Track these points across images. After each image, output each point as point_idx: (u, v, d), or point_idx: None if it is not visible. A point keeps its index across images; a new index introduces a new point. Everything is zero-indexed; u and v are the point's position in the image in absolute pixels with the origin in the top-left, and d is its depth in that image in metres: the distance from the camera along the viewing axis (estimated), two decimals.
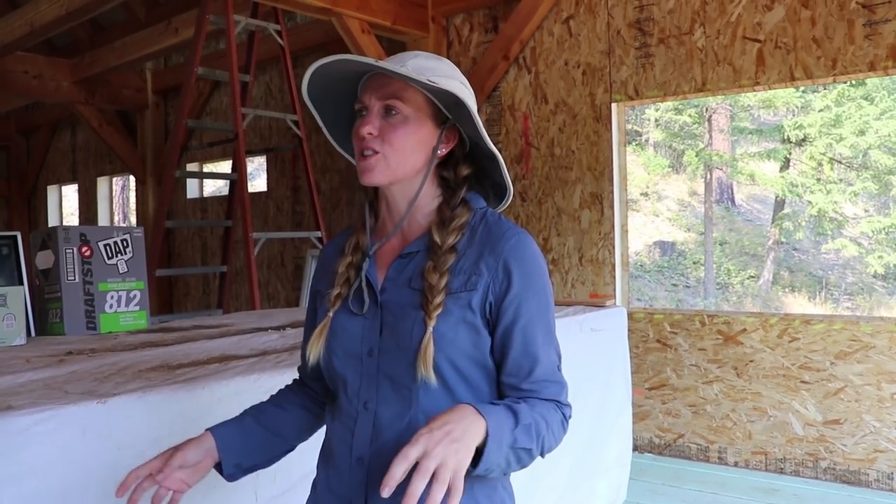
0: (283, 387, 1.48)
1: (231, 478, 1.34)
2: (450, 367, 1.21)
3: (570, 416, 1.25)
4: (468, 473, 1.08)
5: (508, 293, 1.23)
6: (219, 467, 1.33)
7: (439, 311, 1.20)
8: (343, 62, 1.24)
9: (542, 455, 1.21)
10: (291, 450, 1.42)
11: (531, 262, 1.26)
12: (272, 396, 1.45)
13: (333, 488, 1.28)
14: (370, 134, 1.25)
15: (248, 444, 1.35)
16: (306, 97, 1.35)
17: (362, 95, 1.28)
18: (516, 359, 1.23)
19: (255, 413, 1.39)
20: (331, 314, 1.30)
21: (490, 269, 1.23)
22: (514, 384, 1.23)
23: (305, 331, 1.43)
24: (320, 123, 1.39)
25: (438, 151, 1.30)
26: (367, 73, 1.29)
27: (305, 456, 1.69)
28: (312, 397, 1.42)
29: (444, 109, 1.30)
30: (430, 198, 1.32)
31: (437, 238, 1.27)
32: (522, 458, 1.17)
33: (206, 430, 1.33)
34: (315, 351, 1.30)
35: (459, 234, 1.28)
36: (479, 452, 1.09)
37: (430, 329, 1.19)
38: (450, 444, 1.04)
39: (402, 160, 1.26)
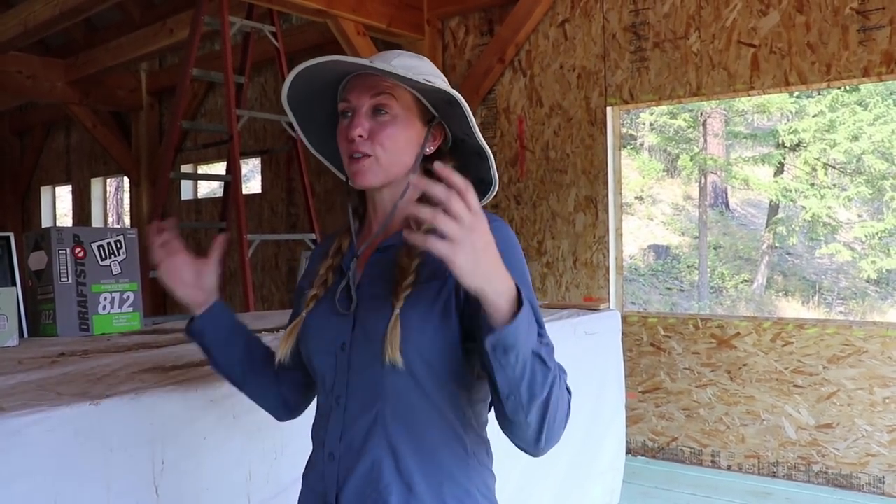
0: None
1: (187, 330, 1.43)
2: (418, 358, 1.17)
3: (570, 404, 1.14)
4: (494, 344, 0.98)
5: None
6: (190, 319, 1.41)
7: (408, 292, 1.18)
8: (333, 63, 1.22)
9: (544, 438, 1.08)
10: (239, 386, 1.44)
11: (508, 243, 1.18)
12: (269, 351, 1.45)
13: (312, 485, 1.29)
14: (360, 136, 1.23)
15: (222, 339, 1.41)
16: (285, 101, 1.33)
17: (347, 94, 1.27)
18: None
19: (250, 341, 1.44)
20: (304, 314, 1.30)
21: None
22: None
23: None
24: (297, 128, 1.39)
25: (426, 150, 1.30)
26: (350, 74, 1.27)
27: (297, 460, 1.68)
28: (279, 381, 1.43)
29: (432, 108, 1.30)
30: (412, 193, 1.30)
31: (413, 226, 1.24)
32: (536, 377, 1.03)
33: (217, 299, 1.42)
34: (283, 350, 1.30)
35: None
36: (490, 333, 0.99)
37: (397, 311, 1.16)
38: (483, 243, 0.95)
39: (394, 160, 1.25)
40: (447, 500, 1.20)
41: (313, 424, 1.33)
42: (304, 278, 1.40)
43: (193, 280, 1.41)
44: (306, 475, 1.32)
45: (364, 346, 1.22)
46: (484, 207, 1.31)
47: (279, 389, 1.43)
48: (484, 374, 1.16)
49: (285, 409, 1.45)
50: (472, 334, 1.18)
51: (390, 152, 1.25)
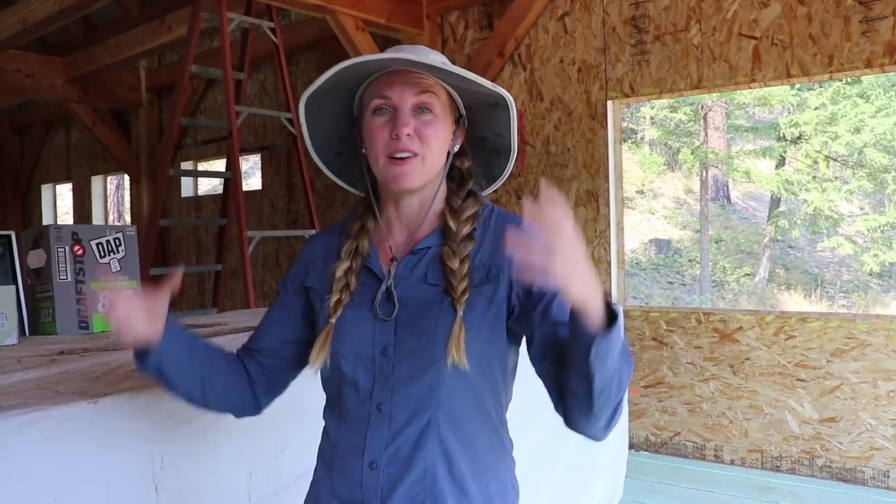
0: (235, 354, 1.39)
1: (142, 366, 1.26)
2: (474, 362, 1.16)
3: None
4: (597, 351, 1.01)
5: None
6: (141, 354, 1.25)
7: (467, 296, 1.17)
8: (391, 60, 1.19)
9: (613, 422, 1.12)
10: (199, 402, 1.34)
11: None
12: (227, 356, 1.37)
13: (340, 494, 1.23)
14: (408, 135, 1.20)
15: (181, 365, 1.28)
16: (302, 109, 1.29)
17: (385, 90, 1.22)
18: None
19: (207, 356, 1.33)
20: (332, 321, 1.24)
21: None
22: None
23: (269, 318, 1.38)
24: (304, 128, 1.33)
25: (455, 148, 1.29)
26: (381, 70, 1.24)
27: (298, 458, 1.67)
28: (250, 383, 1.36)
29: (463, 107, 1.29)
30: (440, 193, 1.30)
31: (452, 224, 1.24)
32: (624, 374, 1.08)
33: (169, 321, 1.25)
34: (320, 360, 1.23)
35: (473, 223, 1.25)
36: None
37: (461, 313, 1.16)
38: (584, 260, 0.97)
39: (436, 161, 1.24)
40: (494, 499, 1.22)
41: (336, 430, 1.27)
42: (311, 275, 1.34)
43: (148, 319, 1.22)
44: (329, 484, 1.25)
45: (416, 354, 1.19)
46: (497, 204, 1.32)
47: (251, 390, 1.36)
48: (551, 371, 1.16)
49: (252, 408, 1.38)
50: (517, 336, 1.22)
51: (434, 152, 1.23)
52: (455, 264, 1.19)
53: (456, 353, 1.14)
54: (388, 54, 1.20)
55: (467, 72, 1.21)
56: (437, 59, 1.24)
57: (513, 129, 1.29)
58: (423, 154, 1.21)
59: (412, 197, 1.27)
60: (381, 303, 1.23)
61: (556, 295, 1.16)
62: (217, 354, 1.36)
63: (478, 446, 1.21)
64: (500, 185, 1.41)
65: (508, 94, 1.25)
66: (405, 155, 1.20)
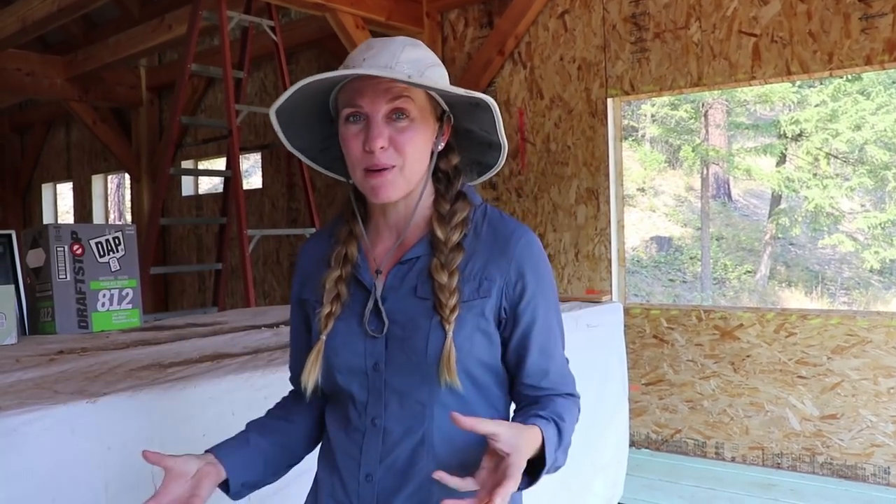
0: (285, 396, 1.39)
1: (237, 496, 1.25)
2: (466, 378, 1.16)
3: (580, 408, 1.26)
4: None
5: (524, 297, 1.18)
6: (224, 485, 1.22)
7: (456, 313, 1.14)
8: (352, 74, 1.13)
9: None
10: (298, 461, 1.34)
11: (541, 261, 1.22)
12: (274, 409, 1.36)
13: (339, 498, 1.23)
14: (382, 148, 1.14)
15: (253, 462, 1.26)
16: (273, 117, 1.23)
17: (356, 99, 1.15)
18: (535, 360, 1.20)
19: (258, 428, 1.31)
20: (323, 337, 1.21)
21: (502, 273, 1.18)
22: (533, 384, 1.21)
23: (294, 343, 1.35)
24: (280, 134, 1.28)
25: (439, 147, 1.24)
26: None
27: None
28: (316, 408, 1.33)
29: (444, 104, 1.23)
30: (427, 194, 1.25)
31: (440, 234, 1.19)
32: (550, 471, 1.19)
33: (207, 451, 1.22)
34: (312, 378, 1.21)
35: (463, 230, 1.21)
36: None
37: (450, 335, 1.13)
38: (515, 480, 1.03)
39: (417, 168, 1.19)
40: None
41: (337, 435, 1.26)
42: (306, 286, 1.31)
43: (193, 476, 1.17)
44: (331, 487, 1.25)
45: (406, 370, 1.17)
46: (500, 209, 1.29)
47: (320, 417, 1.34)
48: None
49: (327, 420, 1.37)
50: (507, 343, 1.23)
51: (413, 160, 1.17)
52: (444, 279, 1.16)
53: (448, 374, 1.12)
54: (350, 70, 1.13)
55: (435, 82, 1.16)
56: (411, 54, 1.18)
57: (499, 128, 1.23)
58: (401, 164, 1.16)
59: (396, 203, 1.23)
60: (369, 319, 1.20)
61: (533, 323, 1.20)
62: (281, 420, 1.33)
63: (475, 457, 1.18)
64: (492, 174, 1.35)
65: (488, 97, 1.18)
66: (379, 169, 1.16)
